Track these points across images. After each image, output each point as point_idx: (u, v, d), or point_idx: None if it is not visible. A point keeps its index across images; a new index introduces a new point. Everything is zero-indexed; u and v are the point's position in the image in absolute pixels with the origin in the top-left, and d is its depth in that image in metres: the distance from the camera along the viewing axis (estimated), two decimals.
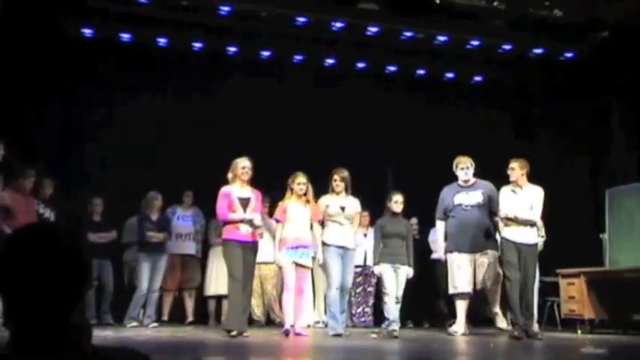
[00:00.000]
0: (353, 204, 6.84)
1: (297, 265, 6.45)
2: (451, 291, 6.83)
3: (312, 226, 6.65)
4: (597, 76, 9.32)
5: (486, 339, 6.22)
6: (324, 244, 6.69)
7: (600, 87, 9.38)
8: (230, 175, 6.47)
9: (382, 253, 6.77)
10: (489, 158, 7.09)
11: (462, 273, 6.71)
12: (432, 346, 5.88)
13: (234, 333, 6.01)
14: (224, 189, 6.40)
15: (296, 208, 6.54)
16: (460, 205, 6.85)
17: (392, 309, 6.61)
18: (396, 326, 6.53)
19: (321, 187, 6.82)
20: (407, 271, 6.75)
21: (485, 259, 6.67)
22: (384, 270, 6.70)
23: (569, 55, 9.56)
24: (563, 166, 9.11)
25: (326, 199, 6.82)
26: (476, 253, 6.72)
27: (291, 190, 6.60)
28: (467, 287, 6.71)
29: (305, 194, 6.59)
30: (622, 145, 9.32)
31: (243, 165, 6.41)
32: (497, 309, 6.80)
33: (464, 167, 6.92)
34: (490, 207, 6.80)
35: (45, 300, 1.30)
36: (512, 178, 6.64)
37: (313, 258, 6.64)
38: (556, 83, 9.69)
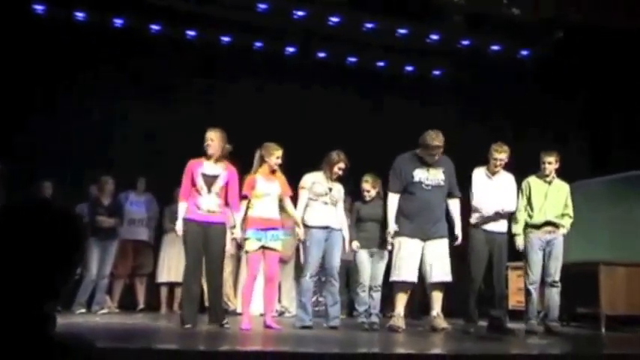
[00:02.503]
0: (339, 189, 6.39)
1: (266, 248, 5.86)
2: (393, 278, 6.12)
3: (281, 202, 6.05)
4: (552, 75, 9.51)
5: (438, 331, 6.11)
6: (305, 225, 6.18)
7: (555, 86, 9.58)
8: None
9: (358, 238, 6.31)
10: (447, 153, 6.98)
11: (411, 261, 6.06)
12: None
13: (188, 326, 5.67)
14: (191, 162, 5.91)
15: (266, 183, 5.93)
16: (420, 183, 6.16)
17: (364, 300, 6.24)
18: (376, 318, 6.19)
19: None
20: (383, 256, 6.28)
21: (437, 247, 6.11)
22: (360, 258, 6.26)
23: (525, 53, 9.75)
24: (518, 162, 9.26)
25: (312, 177, 6.29)
26: (429, 240, 6.12)
27: (263, 162, 5.95)
28: (413, 277, 6.07)
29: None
30: (576, 142, 9.57)
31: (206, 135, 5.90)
32: (438, 310, 6.14)
33: (437, 146, 6.12)
34: (450, 190, 6.30)
35: (27, 285, 1.22)
36: (497, 168, 6.39)
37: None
38: (513, 80, 9.85)
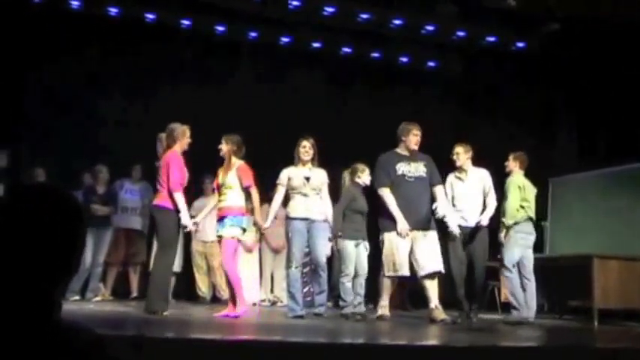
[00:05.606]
0: (319, 175, 6.30)
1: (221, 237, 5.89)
2: (390, 274, 6.19)
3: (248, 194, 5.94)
4: (546, 67, 9.51)
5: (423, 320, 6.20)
6: (287, 217, 6.25)
7: (548, 78, 9.58)
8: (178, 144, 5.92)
9: (345, 229, 6.30)
10: (435, 144, 6.96)
11: (404, 257, 6.12)
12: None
13: (166, 313, 5.68)
14: (179, 155, 5.89)
15: (221, 176, 5.99)
16: (403, 175, 6.24)
17: (349, 290, 6.23)
18: (362, 308, 6.25)
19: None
20: (366, 246, 6.39)
21: (426, 240, 6.16)
22: (346, 248, 6.28)
23: (520, 45, 9.74)
24: (508, 155, 9.27)
25: (288, 171, 6.27)
26: (417, 231, 6.17)
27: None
28: (407, 271, 6.13)
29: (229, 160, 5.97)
30: (566, 136, 9.59)
31: (189, 135, 5.94)
32: (436, 302, 6.15)
33: (417, 134, 6.32)
34: (431, 180, 6.35)
35: (35, 270, 1.21)
36: (458, 164, 6.62)
37: (244, 230, 5.96)
38: (506, 72, 9.85)
